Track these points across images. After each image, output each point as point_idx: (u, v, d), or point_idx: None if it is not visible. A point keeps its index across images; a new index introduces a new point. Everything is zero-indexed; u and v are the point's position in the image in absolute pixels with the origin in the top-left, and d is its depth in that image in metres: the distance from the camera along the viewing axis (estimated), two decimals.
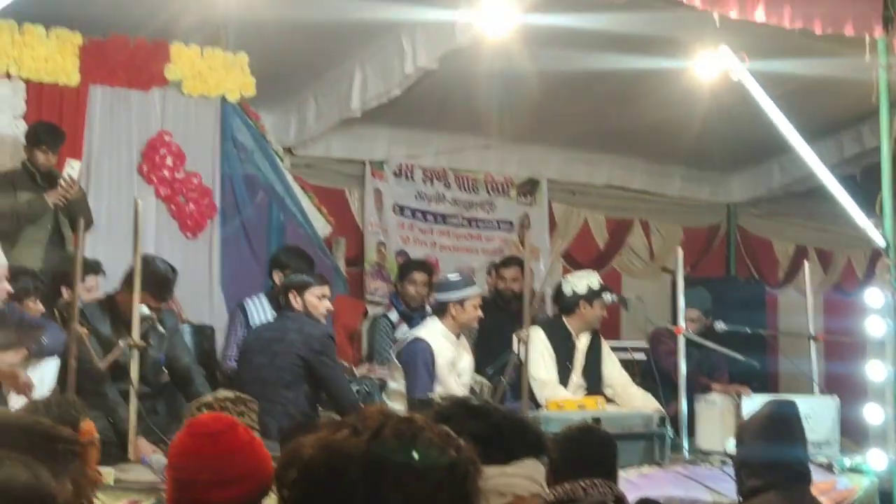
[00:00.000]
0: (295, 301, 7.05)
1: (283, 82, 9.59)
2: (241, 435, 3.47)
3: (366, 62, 9.26)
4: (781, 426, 4.55)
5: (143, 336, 6.33)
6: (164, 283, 6.71)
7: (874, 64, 7.18)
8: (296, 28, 8.31)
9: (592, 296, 7.69)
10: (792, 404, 4.76)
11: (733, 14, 6.56)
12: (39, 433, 3.21)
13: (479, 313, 7.37)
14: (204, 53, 8.80)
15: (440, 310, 7.32)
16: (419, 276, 8.56)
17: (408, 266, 9.02)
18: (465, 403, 3.33)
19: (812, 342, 8.21)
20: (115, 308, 6.61)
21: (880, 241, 7.25)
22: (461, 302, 7.27)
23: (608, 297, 7.81)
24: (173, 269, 6.84)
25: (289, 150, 10.00)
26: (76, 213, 7.48)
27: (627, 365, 8.08)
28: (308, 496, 1.91)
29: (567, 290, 7.78)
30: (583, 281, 7.79)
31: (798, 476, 4.50)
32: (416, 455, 1.90)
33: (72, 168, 7.65)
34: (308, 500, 1.91)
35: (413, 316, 8.35)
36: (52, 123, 7.96)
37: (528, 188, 11.91)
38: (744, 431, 4.71)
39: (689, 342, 7.57)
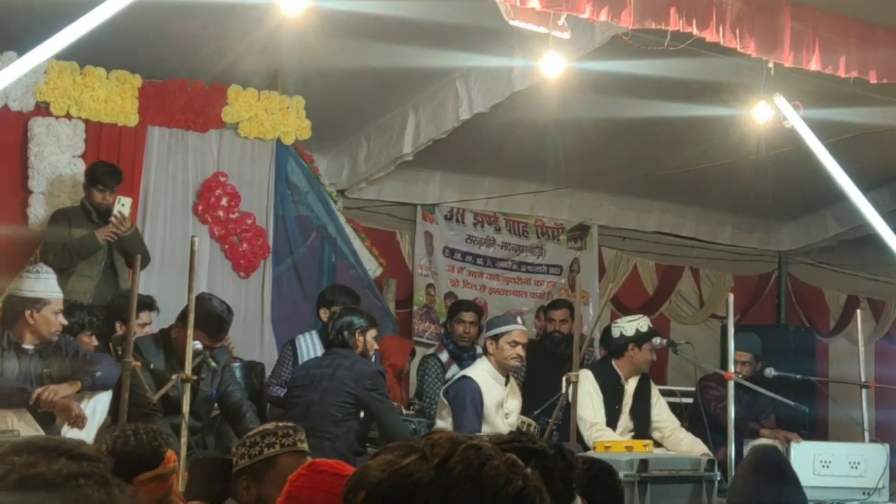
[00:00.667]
0: (357, 341, 7.11)
1: (337, 126, 9.71)
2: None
3: (419, 106, 9.37)
4: (769, 470, 4.48)
5: (196, 371, 6.40)
6: (219, 324, 6.81)
7: None
8: (352, 73, 8.44)
9: (641, 339, 7.70)
10: (774, 448, 4.74)
11: (788, 62, 6.59)
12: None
13: (518, 352, 7.40)
14: (261, 97, 8.93)
15: (485, 350, 7.40)
16: (467, 316, 8.62)
17: (457, 306, 9.11)
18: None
19: (863, 390, 8.14)
20: (168, 343, 6.70)
21: None
22: (496, 338, 7.32)
23: (658, 340, 7.82)
24: (229, 310, 6.94)
25: (342, 193, 10.11)
26: (130, 248, 7.59)
27: (675, 409, 8.06)
28: None
29: (616, 333, 7.80)
30: (632, 324, 7.80)
31: None
32: (482, 482, 1.92)
33: (122, 205, 7.76)
34: None
35: (463, 356, 8.40)
36: (111, 163, 8.08)
37: (579, 233, 11.95)
38: (733, 483, 4.66)
39: (737, 386, 7.54)
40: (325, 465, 3.57)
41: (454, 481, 1.90)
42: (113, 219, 7.71)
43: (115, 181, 7.88)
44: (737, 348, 7.65)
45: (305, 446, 4.39)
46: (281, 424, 4.42)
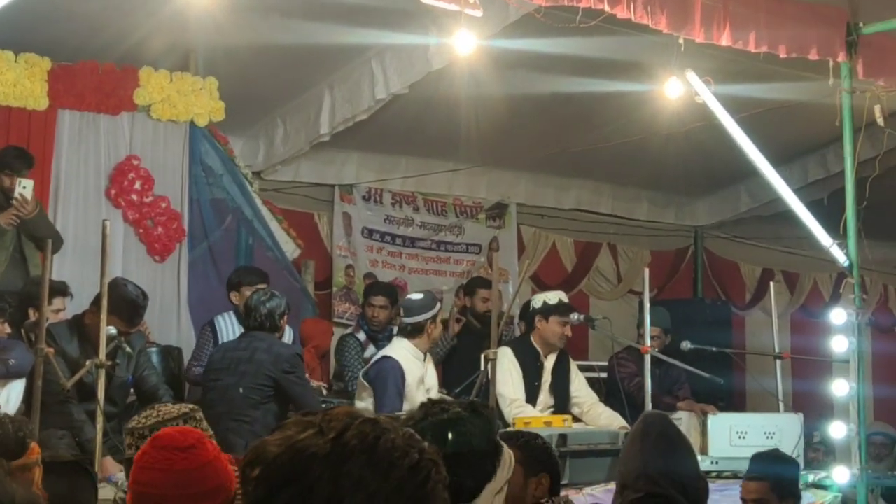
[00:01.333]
0: (283, 324, 7.12)
1: (252, 107, 9.64)
2: (209, 448, 3.48)
3: (335, 86, 9.32)
4: (657, 438, 4.48)
5: (111, 356, 6.33)
6: (134, 309, 6.75)
7: (838, 88, 7.28)
8: (265, 52, 8.38)
9: (548, 311, 7.77)
10: (663, 416, 4.76)
11: (698, 38, 6.64)
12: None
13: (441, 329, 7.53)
14: (173, 78, 8.83)
15: (416, 329, 7.35)
16: (377, 300, 8.60)
17: (369, 289, 9.13)
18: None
19: (777, 361, 8.27)
20: (82, 329, 6.63)
21: (843, 260, 7.34)
22: (434, 319, 7.36)
23: (575, 316, 7.88)
24: (144, 295, 6.87)
25: (258, 174, 10.04)
26: (37, 232, 7.47)
27: (594, 384, 8.14)
28: (270, 494, 1.92)
29: (529, 307, 7.90)
30: (541, 297, 7.89)
31: (682, 490, 4.37)
32: (377, 455, 1.93)
33: (23, 187, 7.52)
34: (270, 498, 1.93)
35: (379, 337, 8.39)
36: (20, 147, 7.94)
37: (497, 212, 11.99)
38: (623, 452, 4.64)
39: (651, 361, 7.62)
40: (168, 437, 3.50)
41: (349, 454, 1.91)
42: (14, 201, 7.50)
43: (24, 165, 7.73)
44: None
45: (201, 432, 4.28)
46: (177, 412, 4.29)
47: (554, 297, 7.92)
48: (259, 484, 1.94)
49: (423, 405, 3.26)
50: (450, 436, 3.10)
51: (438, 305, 7.57)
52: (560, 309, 7.78)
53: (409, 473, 1.94)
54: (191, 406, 4.23)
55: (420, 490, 1.95)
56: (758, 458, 5.88)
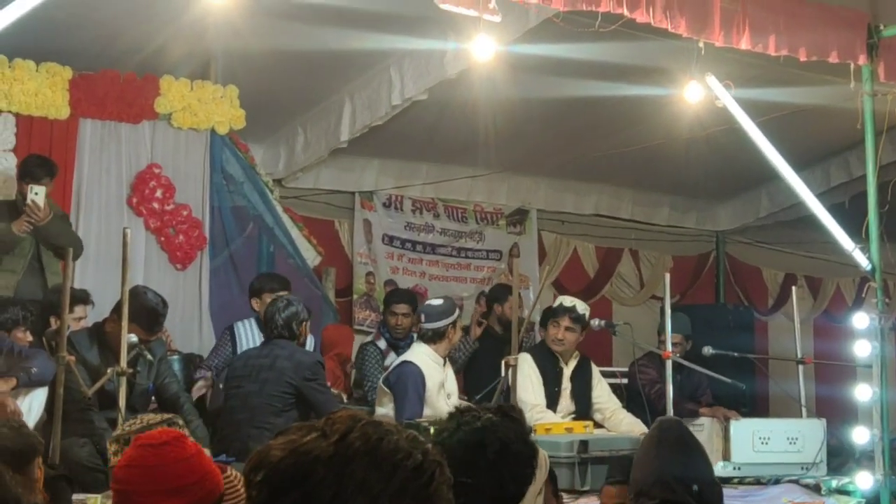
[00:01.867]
0: (303, 331, 7.14)
1: (272, 114, 9.66)
2: (187, 447, 3.50)
3: (354, 93, 9.34)
4: (673, 443, 4.43)
5: (132, 364, 6.34)
6: (154, 317, 6.75)
7: (859, 92, 7.25)
8: (285, 60, 8.40)
9: (545, 316, 7.79)
10: (678, 422, 4.72)
11: (718, 42, 6.62)
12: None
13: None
14: (193, 86, 8.86)
15: (437, 335, 7.34)
16: (400, 308, 8.55)
17: (391, 296, 9.05)
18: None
19: (800, 366, 8.23)
20: (103, 336, 6.64)
21: (865, 264, 7.30)
22: (454, 324, 7.39)
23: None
24: (164, 303, 6.87)
25: (279, 182, 10.05)
26: (53, 240, 7.48)
27: (616, 390, 8.10)
28: (275, 498, 1.93)
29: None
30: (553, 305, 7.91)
31: (698, 496, 4.35)
32: (380, 457, 1.93)
33: (35, 194, 7.46)
34: (274, 502, 1.94)
35: (400, 345, 8.36)
36: (42, 156, 7.97)
37: (518, 218, 11.98)
38: (637, 457, 4.59)
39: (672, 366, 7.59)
40: (146, 437, 3.54)
41: (352, 456, 1.91)
42: (25, 208, 7.48)
43: (45, 173, 7.74)
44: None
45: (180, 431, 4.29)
46: (160, 419, 4.32)
47: (559, 300, 7.91)
48: (263, 488, 1.95)
49: (452, 414, 3.24)
50: (488, 443, 3.08)
51: (458, 311, 7.58)
52: (554, 312, 7.74)
53: (412, 475, 1.94)
54: (173, 413, 4.28)
55: (424, 491, 1.95)
56: (617, 463, 5.87)
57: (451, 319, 7.38)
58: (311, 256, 9.58)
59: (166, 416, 4.33)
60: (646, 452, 4.48)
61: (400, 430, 2.00)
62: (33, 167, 7.75)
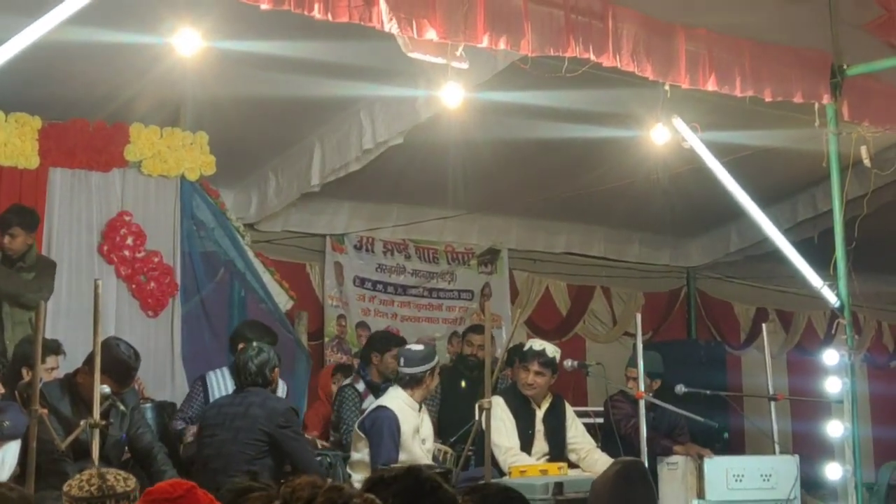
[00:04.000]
0: (275, 377, 7.14)
1: (243, 159, 9.68)
2: (199, 498, 3.50)
3: (324, 137, 9.36)
4: (631, 482, 4.45)
5: (104, 415, 6.31)
6: (126, 370, 6.75)
7: (824, 130, 7.33)
8: (255, 106, 8.42)
9: (511, 359, 7.80)
10: (638, 462, 4.75)
11: (684, 84, 6.69)
12: None
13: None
14: (163, 134, 8.87)
15: (414, 380, 7.33)
16: (395, 353, 8.52)
17: (388, 340, 8.88)
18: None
19: (772, 402, 8.25)
20: (74, 388, 6.61)
21: (834, 301, 7.36)
22: (432, 371, 7.39)
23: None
24: (136, 356, 6.84)
25: (250, 226, 10.05)
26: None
27: (591, 429, 8.10)
28: None
29: None
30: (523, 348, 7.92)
31: None
32: None
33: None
34: None
35: (381, 387, 8.33)
36: (21, 206, 7.98)
37: (489, 258, 12.00)
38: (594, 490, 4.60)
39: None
40: (159, 490, 3.54)
41: None
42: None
43: (17, 222, 7.75)
44: (633, 367, 7.77)
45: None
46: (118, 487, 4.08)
47: (528, 344, 7.91)
48: None
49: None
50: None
51: (437, 358, 7.58)
52: (524, 356, 7.73)
53: None
54: (135, 483, 4.11)
55: None
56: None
57: (430, 366, 7.38)
58: (283, 301, 9.57)
59: (129, 485, 4.04)
60: (602, 485, 4.51)
61: (361, 494, 2.01)
62: (11, 216, 7.78)
